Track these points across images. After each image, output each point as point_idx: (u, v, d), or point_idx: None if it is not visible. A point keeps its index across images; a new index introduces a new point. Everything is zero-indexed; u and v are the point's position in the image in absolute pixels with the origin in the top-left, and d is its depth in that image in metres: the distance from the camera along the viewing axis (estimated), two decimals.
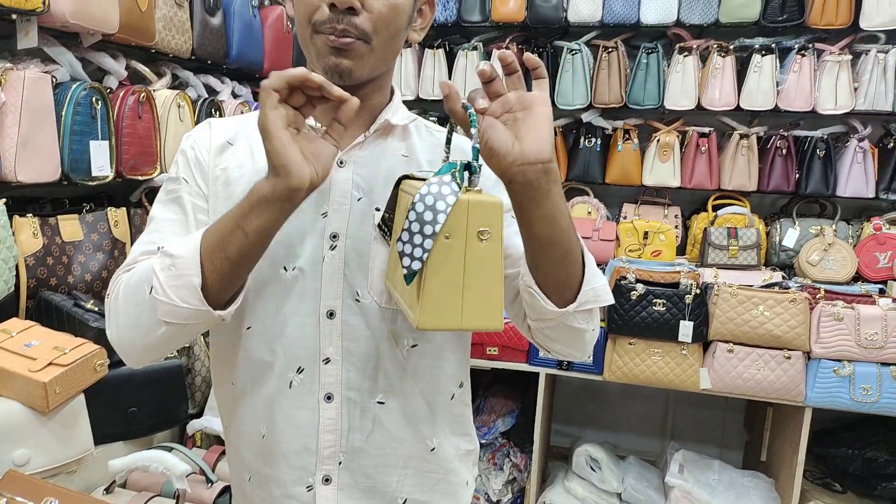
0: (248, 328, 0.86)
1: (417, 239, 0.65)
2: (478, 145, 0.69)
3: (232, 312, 0.79)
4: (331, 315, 0.85)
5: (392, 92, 0.94)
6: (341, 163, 0.87)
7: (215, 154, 0.90)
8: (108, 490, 1.43)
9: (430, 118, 3.14)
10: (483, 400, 3.13)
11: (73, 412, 1.36)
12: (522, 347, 2.70)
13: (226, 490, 1.53)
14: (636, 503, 2.76)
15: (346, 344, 0.85)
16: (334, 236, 0.85)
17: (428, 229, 0.65)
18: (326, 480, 0.86)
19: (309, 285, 0.84)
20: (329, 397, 0.85)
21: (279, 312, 0.84)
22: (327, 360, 0.85)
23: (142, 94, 1.79)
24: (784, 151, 2.74)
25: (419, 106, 3.16)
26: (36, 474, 1.28)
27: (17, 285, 1.50)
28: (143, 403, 1.51)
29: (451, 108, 0.70)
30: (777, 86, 2.69)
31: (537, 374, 2.71)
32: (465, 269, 0.66)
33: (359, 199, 0.86)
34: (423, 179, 0.73)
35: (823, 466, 2.80)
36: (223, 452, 1.65)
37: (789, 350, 2.40)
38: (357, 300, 0.85)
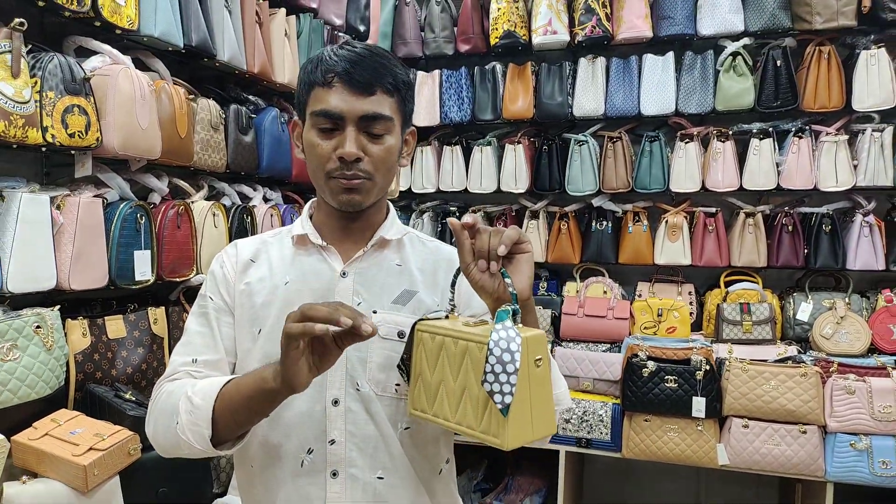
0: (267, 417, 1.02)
1: (503, 378, 0.81)
2: (515, 291, 0.88)
3: (238, 448, 0.98)
4: (335, 403, 1.00)
5: (388, 210, 1.14)
6: (344, 274, 1.05)
7: (240, 271, 1.10)
8: None
9: (452, 207, 3.37)
10: (511, 479, 3.18)
11: (109, 492, 1.54)
12: None
13: None
14: None
15: (349, 427, 1.00)
16: None
17: (510, 367, 0.81)
18: None
19: (317, 378, 0.98)
20: (335, 474, 0.99)
21: (293, 402, 0.98)
22: (333, 442, 0.99)
23: (180, 208, 2.06)
24: (790, 228, 2.83)
25: (440, 197, 3.40)
26: None
27: (66, 379, 1.72)
28: (172, 484, 1.68)
29: (478, 283, 0.91)
30: (777, 166, 2.81)
31: (557, 453, 2.77)
32: (531, 392, 0.83)
33: (358, 304, 1.03)
34: (436, 319, 0.93)
35: None
36: None
37: (804, 424, 2.42)
38: (357, 389, 1.00)
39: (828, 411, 2.40)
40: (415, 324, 0.94)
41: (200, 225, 2.16)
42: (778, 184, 2.81)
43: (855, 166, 2.73)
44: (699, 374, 2.51)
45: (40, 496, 1.42)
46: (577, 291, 3.09)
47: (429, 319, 0.94)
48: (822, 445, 2.40)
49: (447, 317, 0.95)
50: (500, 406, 0.81)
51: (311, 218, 1.13)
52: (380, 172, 1.02)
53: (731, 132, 2.88)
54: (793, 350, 2.67)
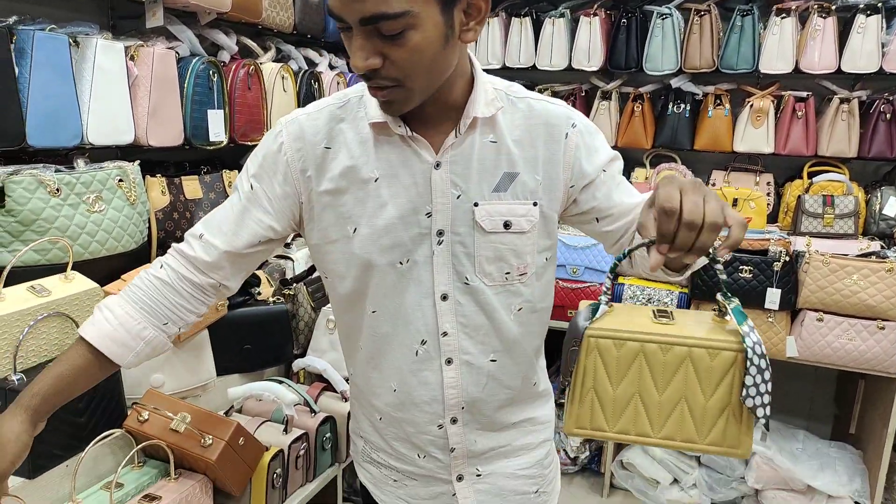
0: (374, 312, 0.99)
1: (762, 388, 0.75)
2: (740, 307, 0.79)
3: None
4: (444, 297, 0.97)
5: (473, 78, 0.94)
6: (437, 165, 0.93)
7: (317, 164, 0.95)
8: (226, 414, 1.64)
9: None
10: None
11: (199, 345, 1.56)
12: None
13: (327, 420, 1.71)
14: (715, 467, 2.78)
15: (460, 319, 0.98)
16: (440, 233, 0.94)
17: (767, 375, 0.76)
18: (454, 421, 1.02)
19: (423, 275, 0.96)
20: (449, 361, 0.99)
21: (399, 297, 0.97)
22: (445, 334, 0.98)
23: (251, 68, 1.97)
24: (888, 116, 2.62)
25: (505, 74, 3.22)
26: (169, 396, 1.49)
27: (148, 237, 1.71)
28: (256, 342, 1.71)
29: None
30: (882, 47, 2.57)
31: None
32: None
33: (458, 197, 0.94)
34: (601, 318, 0.81)
35: None
36: (324, 388, 1.83)
37: (883, 321, 2.34)
38: (466, 283, 0.96)
39: None
40: (583, 331, 0.81)
41: (270, 87, 2.07)
42: (881, 66, 2.58)
43: None
44: (777, 266, 2.42)
45: None
46: (647, 178, 2.97)
47: (596, 321, 0.81)
48: None
49: (609, 308, 0.82)
50: (762, 420, 0.76)
51: None
52: (411, 76, 0.83)
53: (833, 6, 2.62)
54: (876, 245, 2.55)
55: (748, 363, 0.74)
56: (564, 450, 2.97)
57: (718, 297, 0.79)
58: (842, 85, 2.72)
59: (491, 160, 0.95)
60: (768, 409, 0.75)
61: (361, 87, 0.95)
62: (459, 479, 1.06)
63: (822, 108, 2.76)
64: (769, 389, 0.74)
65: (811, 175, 2.78)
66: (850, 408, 2.78)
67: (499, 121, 0.96)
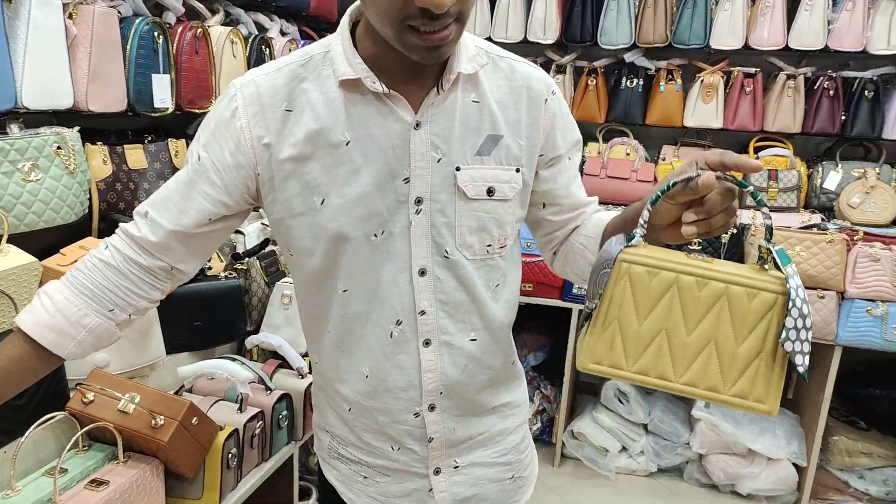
0: (345, 291, 0.91)
1: (803, 335, 0.69)
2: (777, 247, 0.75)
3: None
4: (422, 273, 0.90)
5: None
6: (417, 125, 0.86)
7: (276, 129, 0.86)
8: (177, 393, 1.58)
9: None
10: (516, 335, 3.24)
11: (147, 322, 1.49)
12: (556, 284, 2.78)
13: (283, 397, 1.67)
14: (661, 434, 2.87)
15: (439, 296, 0.91)
16: (419, 201, 0.87)
17: (808, 322, 0.69)
18: (431, 408, 0.96)
19: (398, 247, 0.89)
20: (427, 343, 0.92)
21: (373, 273, 0.89)
22: (423, 312, 0.91)
23: (198, 30, 1.87)
24: (831, 93, 2.70)
25: None
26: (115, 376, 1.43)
27: (90, 208, 1.62)
28: (207, 318, 1.65)
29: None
30: (828, 24, 2.64)
31: (570, 310, 2.79)
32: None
33: (439, 161, 0.87)
34: (638, 247, 0.75)
35: (851, 406, 2.85)
36: (280, 365, 1.79)
37: (823, 290, 2.44)
38: (446, 257, 0.90)
39: (849, 278, 2.41)
40: (617, 254, 0.74)
41: (219, 53, 1.97)
42: (826, 44, 2.65)
43: None
44: (724, 238, 2.48)
45: None
46: (600, 152, 2.99)
47: (632, 247, 0.74)
48: (837, 311, 2.44)
49: (642, 243, 0.76)
50: (801, 369, 0.70)
51: (355, 49, 0.86)
52: (467, 8, 0.77)
53: None
54: (816, 218, 2.64)
55: (790, 304, 0.68)
56: None
57: (761, 242, 0.74)
58: (788, 62, 2.78)
59: (474, 120, 0.89)
60: (807, 358, 0.70)
61: (325, 42, 0.88)
62: (437, 472, 1.00)
63: (770, 85, 2.82)
64: (809, 338, 0.69)
65: (757, 150, 2.85)
66: (789, 374, 2.90)
67: (481, 80, 0.90)
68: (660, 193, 0.73)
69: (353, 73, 0.84)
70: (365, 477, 1.03)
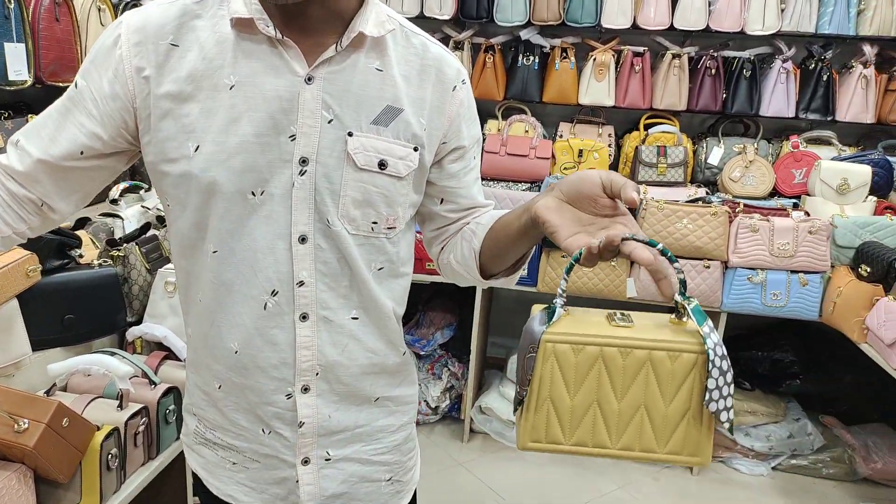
0: (215, 252, 0.85)
1: (725, 390, 0.71)
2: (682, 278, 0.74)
3: None
4: (303, 240, 0.84)
5: None
6: (309, 79, 0.81)
7: (159, 62, 0.81)
8: (48, 393, 1.45)
9: None
10: (422, 314, 3.23)
11: (7, 317, 1.35)
12: None
13: (169, 391, 1.57)
14: None
15: (319, 266, 0.85)
16: (303, 161, 0.82)
17: (729, 377, 0.71)
18: (305, 389, 0.89)
19: (278, 210, 0.83)
20: (304, 317, 0.87)
21: (248, 237, 0.84)
22: (301, 283, 0.85)
23: None
24: (713, 71, 2.83)
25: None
26: None
27: None
28: (80, 311, 1.51)
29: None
30: (710, 5, 2.75)
31: (475, 288, 2.81)
32: None
33: (329, 122, 0.82)
34: (557, 322, 0.75)
35: (735, 368, 3.04)
36: (165, 357, 1.68)
37: (709, 260, 2.56)
38: (328, 225, 0.84)
39: (731, 248, 2.55)
40: (540, 336, 0.74)
41: (84, 20, 1.81)
42: (707, 24, 2.76)
43: (782, 10, 2.72)
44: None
45: None
46: (500, 129, 3.01)
47: (552, 325, 0.75)
48: (721, 279, 2.57)
49: (565, 313, 0.77)
50: (727, 426, 0.72)
51: None
52: None
53: None
54: (702, 192, 2.77)
55: (710, 365, 0.71)
56: (425, 400, 3.01)
57: (676, 298, 0.74)
58: (674, 41, 2.89)
59: (374, 88, 0.84)
60: (731, 412, 0.73)
61: None
62: (305, 462, 0.93)
63: (657, 64, 2.92)
64: (731, 392, 0.72)
65: (647, 127, 2.95)
66: None
67: (389, 48, 0.86)
68: (574, 262, 0.76)
69: (246, 13, 0.80)
70: (234, 463, 0.95)
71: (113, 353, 1.53)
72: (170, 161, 0.82)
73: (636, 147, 2.89)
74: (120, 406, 1.44)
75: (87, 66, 0.82)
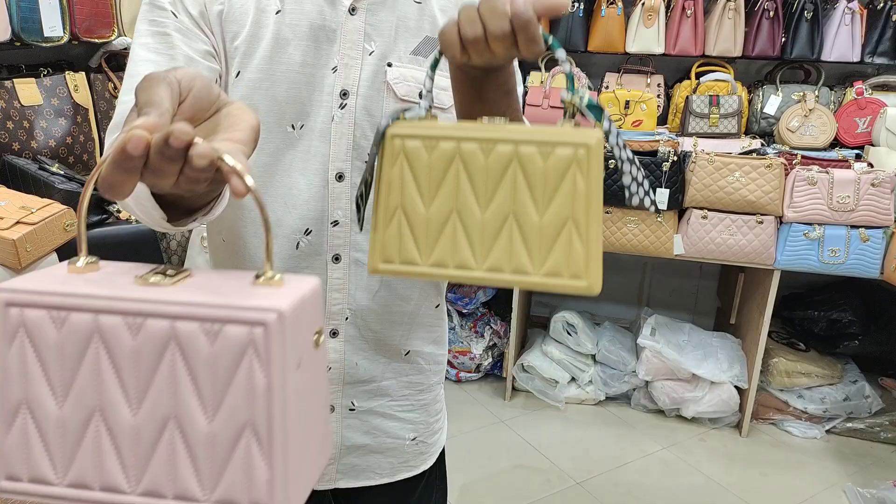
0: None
1: (639, 177, 0.60)
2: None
3: (210, 218, 0.70)
4: (339, 178, 0.82)
5: None
6: (353, 10, 0.80)
7: None
8: None
9: None
10: None
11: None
12: None
13: None
14: (609, 363, 2.90)
15: (355, 207, 0.84)
16: (344, 94, 0.81)
17: (637, 162, 0.60)
18: (334, 334, 0.88)
19: (316, 146, 0.81)
20: (337, 258, 0.85)
21: (283, 172, 0.82)
22: (335, 223, 0.84)
23: None
24: (771, 14, 2.65)
25: None
26: None
27: None
28: None
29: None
30: None
31: None
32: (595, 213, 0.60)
33: (371, 53, 0.81)
34: (414, 120, 0.61)
35: (790, 328, 2.93)
36: None
37: (762, 215, 2.44)
38: (366, 161, 0.80)
39: (787, 202, 2.42)
40: (384, 129, 0.60)
41: None
42: None
43: None
44: (665, 166, 2.45)
45: None
46: (542, 82, 2.91)
47: (404, 120, 0.61)
48: (775, 235, 2.45)
49: (424, 117, 0.63)
50: (655, 208, 0.62)
51: None
52: None
53: None
54: (757, 143, 2.63)
55: (620, 162, 0.59)
56: (470, 357, 3.00)
57: (563, 96, 0.60)
58: None
59: (413, 20, 0.83)
60: (652, 192, 0.62)
61: None
62: (330, 409, 0.92)
63: (710, 7, 2.75)
64: (645, 174, 0.61)
65: (698, 76, 2.81)
66: (731, 300, 2.95)
67: None
68: (437, 57, 0.63)
69: None
70: None
71: None
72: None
73: (687, 97, 2.75)
74: None
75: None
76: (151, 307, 0.40)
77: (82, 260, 0.44)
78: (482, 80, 0.67)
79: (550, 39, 0.61)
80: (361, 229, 0.68)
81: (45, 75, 1.68)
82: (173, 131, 0.40)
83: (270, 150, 0.81)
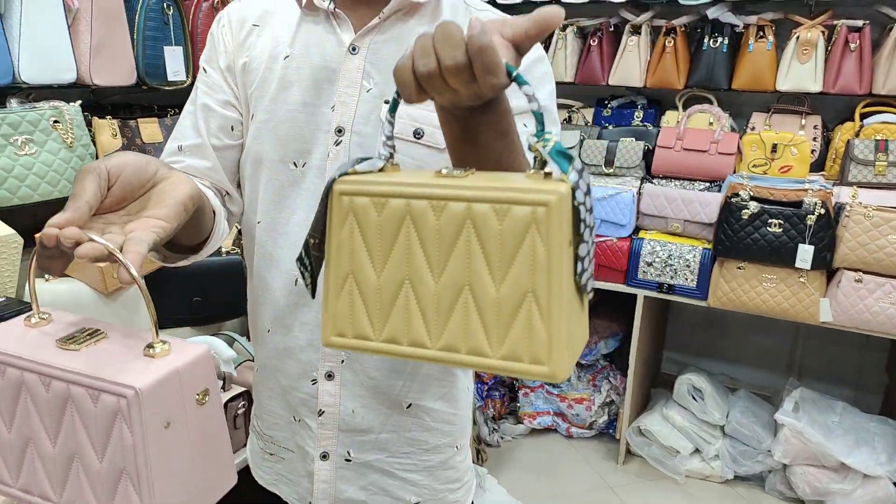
0: (259, 223, 0.86)
1: (592, 251, 0.51)
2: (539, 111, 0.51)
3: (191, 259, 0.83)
4: None
5: None
6: (354, 49, 0.81)
7: (242, 38, 0.86)
8: None
9: None
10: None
11: (137, 297, 1.49)
12: (620, 267, 2.54)
13: None
14: (740, 437, 2.57)
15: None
16: (339, 131, 0.82)
17: (594, 230, 0.52)
18: (329, 376, 0.86)
19: (315, 182, 0.83)
20: None
21: (288, 209, 0.84)
22: None
23: (215, 1, 1.85)
24: None
25: (515, 7, 2.97)
26: None
27: None
28: (206, 294, 1.63)
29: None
30: None
31: (635, 297, 2.55)
32: (568, 284, 0.50)
33: (368, 90, 0.81)
34: (368, 173, 0.55)
35: None
36: None
37: None
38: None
39: None
40: (330, 183, 0.53)
41: None
42: None
43: None
44: (810, 219, 2.14)
45: (61, 295, 1.38)
46: (679, 122, 2.69)
47: (355, 174, 0.54)
48: None
49: (383, 168, 0.56)
50: (589, 297, 0.51)
51: None
52: None
53: None
54: None
55: (581, 226, 0.48)
56: (579, 415, 2.82)
57: (530, 140, 0.51)
58: None
59: None
60: (591, 285, 0.52)
61: None
62: (324, 457, 0.88)
63: (880, 41, 2.39)
64: (592, 257, 0.51)
65: (863, 117, 2.44)
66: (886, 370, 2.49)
67: (445, 15, 0.82)
68: (396, 98, 0.56)
69: None
70: (271, 454, 0.95)
71: (233, 339, 1.61)
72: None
73: (848, 141, 2.39)
74: (223, 388, 1.51)
75: (207, 54, 0.88)
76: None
77: (36, 317, 0.60)
78: (469, 121, 0.59)
79: (515, 72, 0.52)
80: (313, 296, 0.62)
81: (171, 115, 1.84)
82: (61, 235, 0.53)
83: (276, 188, 0.84)
